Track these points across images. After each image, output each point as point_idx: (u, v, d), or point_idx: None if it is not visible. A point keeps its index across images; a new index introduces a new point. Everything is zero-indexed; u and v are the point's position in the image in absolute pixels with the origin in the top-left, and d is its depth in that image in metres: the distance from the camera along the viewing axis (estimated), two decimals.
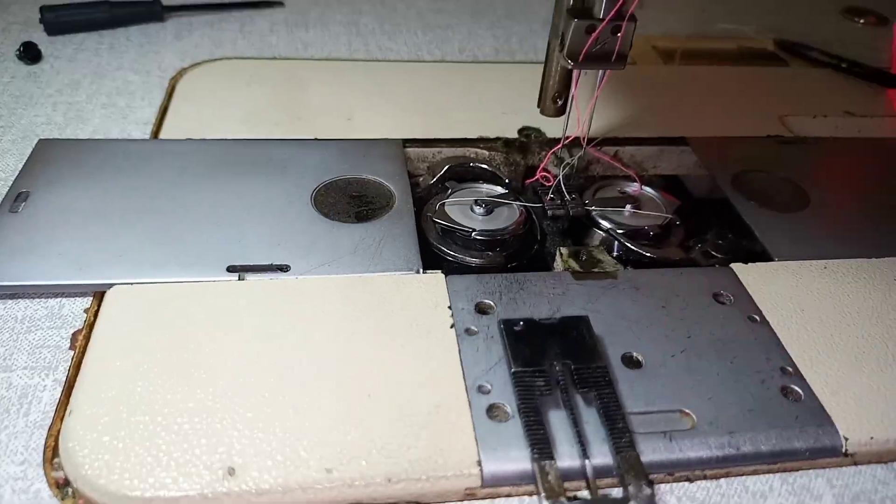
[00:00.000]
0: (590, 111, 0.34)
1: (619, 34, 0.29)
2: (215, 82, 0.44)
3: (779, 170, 0.40)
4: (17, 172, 0.34)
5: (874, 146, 0.43)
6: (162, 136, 0.39)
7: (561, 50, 0.31)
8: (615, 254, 0.35)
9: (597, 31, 0.29)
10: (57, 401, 0.25)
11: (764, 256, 0.34)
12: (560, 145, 0.35)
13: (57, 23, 0.48)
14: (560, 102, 0.35)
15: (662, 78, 0.49)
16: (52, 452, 0.24)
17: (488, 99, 0.44)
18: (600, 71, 0.32)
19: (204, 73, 0.45)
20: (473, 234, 0.34)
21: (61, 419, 0.24)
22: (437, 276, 0.31)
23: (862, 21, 0.62)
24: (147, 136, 0.39)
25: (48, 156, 0.36)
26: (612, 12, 0.28)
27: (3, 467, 0.23)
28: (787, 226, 0.35)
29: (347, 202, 0.35)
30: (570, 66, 0.31)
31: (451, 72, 0.48)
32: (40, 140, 0.37)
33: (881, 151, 0.43)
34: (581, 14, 0.29)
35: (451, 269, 0.33)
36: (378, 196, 0.35)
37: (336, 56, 0.48)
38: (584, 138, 0.35)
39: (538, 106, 0.39)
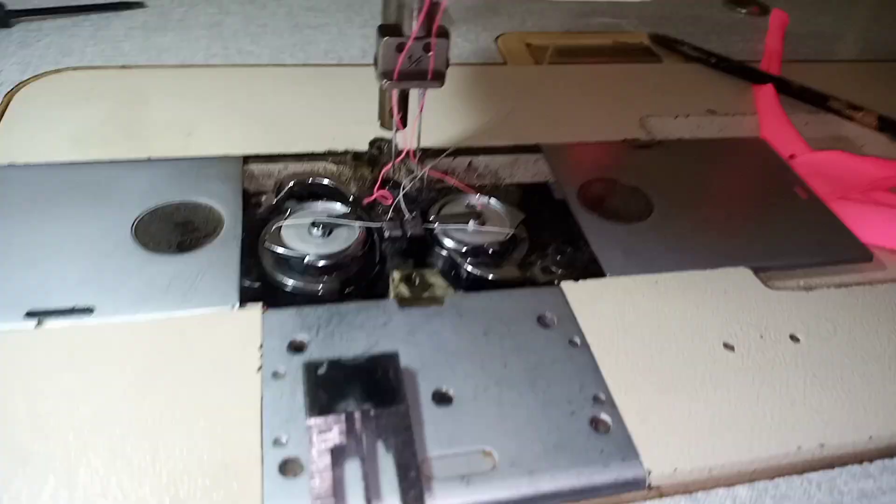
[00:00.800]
0: (416, 127, 0.33)
1: (430, 52, 0.28)
2: (53, 97, 0.42)
3: (628, 177, 0.39)
4: None
5: (729, 146, 0.44)
6: None
7: (376, 69, 0.30)
8: (461, 273, 0.34)
9: (405, 49, 0.28)
10: None
11: (597, 271, 0.34)
12: (391, 163, 0.34)
13: None
14: (395, 117, 0.34)
15: (530, 78, 0.48)
16: None
17: (345, 107, 0.43)
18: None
19: (42, 87, 0.43)
20: (306, 259, 0.33)
21: None
22: (253, 312, 0.30)
23: (744, 11, 0.63)
24: None
25: None
26: (417, 28, 0.27)
27: None
28: (625, 238, 0.35)
29: (171, 230, 0.34)
30: (384, 87, 0.30)
31: (311, 77, 0.46)
32: None
33: (735, 151, 0.43)
34: (391, 32, 0.28)
35: (285, 298, 0.32)
36: (206, 222, 0.34)
37: (190, 62, 0.46)
38: (413, 155, 0.34)
39: (378, 119, 0.38)
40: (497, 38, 0.53)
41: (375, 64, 0.30)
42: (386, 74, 0.29)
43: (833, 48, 0.59)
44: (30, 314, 0.28)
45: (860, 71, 0.54)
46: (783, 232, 0.37)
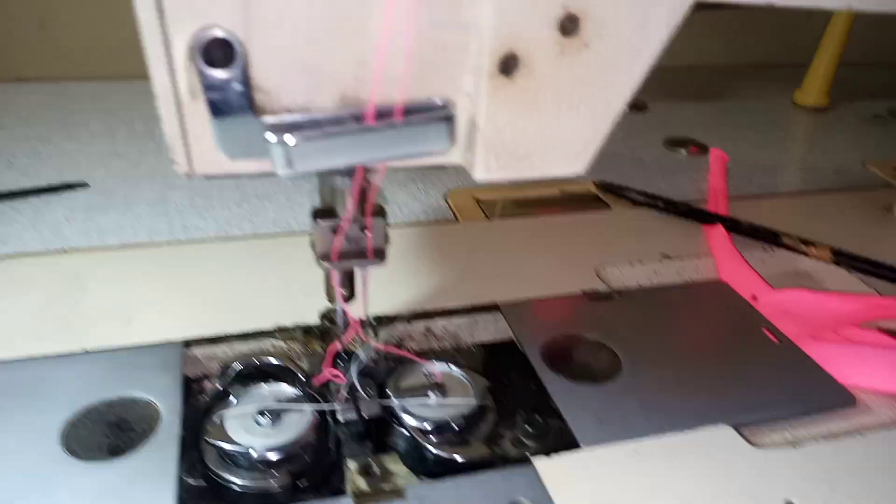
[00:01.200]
0: (364, 303, 0.31)
1: (366, 230, 0.27)
2: None
3: (591, 331, 0.38)
4: None
5: (690, 292, 0.43)
6: None
7: (313, 250, 0.28)
8: (424, 455, 0.31)
9: (340, 232, 0.27)
10: None
11: (571, 441, 0.31)
12: (336, 342, 0.32)
13: None
14: (337, 293, 0.32)
15: (482, 234, 0.48)
16: None
17: (295, 278, 0.41)
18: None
19: None
20: (252, 452, 0.30)
21: None
22: None
23: (684, 151, 0.65)
24: None
25: None
26: (351, 210, 0.26)
27: None
28: (597, 402, 0.33)
29: (104, 432, 0.30)
30: (324, 268, 0.28)
31: (258, 249, 0.45)
32: None
33: (697, 296, 0.43)
34: (324, 214, 0.27)
35: (232, 499, 0.29)
36: (141, 419, 0.31)
37: (133, 242, 0.45)
38: (361, 331, 0.32)
39: (326, 294, 0.36)
40: (445, 195, 0.54)
41: (313, 247, 0.29)
42: (324, 257, 0.28)
43: (773, 181, 0.61)
44: None
45: (803, 203, 0.56)
46: (760, 381, 0.36)
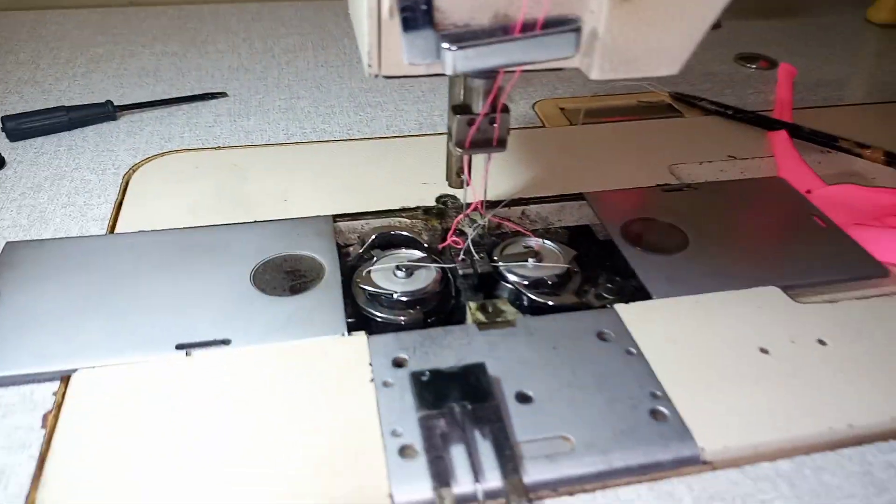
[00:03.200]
0: (483, 184, 0.39)
1: (495, 124, 0.35)
2: (164, 175, 0.49)
3: (663, 216, 0.45)
4: None
5: (751, 186, 0.49)
6: (117, 230, 0.44)
7: (450, 140, 0.36)
8: (523, 302, 0.40)
9: (475, 124, 0.34)
10: (32, 474, 0.29)
11: (645, 295, 0.39)
12: (463, 214, 0.41)
13: (18, 130, 0.53)
14: (462, 177, 0.40)
15: (567, 138, 0.55)
16: None
17: (411, 171, 0.50)
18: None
19: (154, 167, 0.50)
20: (395, 295, 0.39)
21: (36, 489, 0.29)
22: (360, 338, 0.35)
23: (753, 66, 0.70)
24: (104, 232, 0.43)
25: (15, 258, 0.40)
26: (486, 106, 0.34)
27: None
28: (667, 267, 0.41)
29: (283, 277, 0.40)
30: (458, 153, 0.36)
31: (378, 148, 0.53)
32: (7, 243, 0.41)
33: (757, 189, 0.49)
34: (462, 110, 0.35)
35: (378, 328, 0.38)
36: (310, 269, 0.40)
37: (274, 141, 0.54)
38: (482, 207, 0.40)
39: (447, 180, 0.44)
40: (533, 104, 0.60)
41: (449, 135, 0.36)
42: (459, 144, 0.36)
43: (839, 94, 0.65)
44: (179, 346, 0.35)
45: (865, 113, 0.60)
46: (807, 256, 0.43)
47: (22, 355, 0.34)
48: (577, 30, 0.28)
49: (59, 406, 0.32)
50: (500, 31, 0.28)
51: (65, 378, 0.34)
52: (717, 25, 0.79)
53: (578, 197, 0.47)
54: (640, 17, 0.28)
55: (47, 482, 0.29)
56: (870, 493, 0.30)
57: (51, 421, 0.32)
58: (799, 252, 0.43)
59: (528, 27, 0.28)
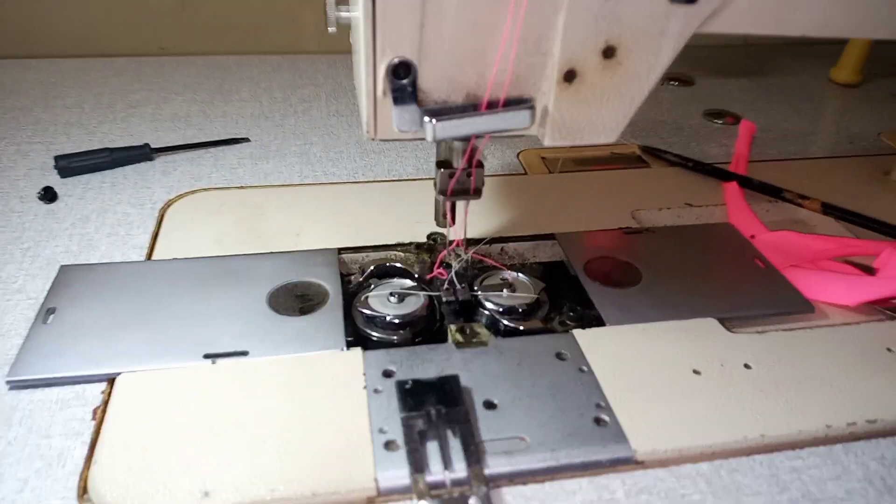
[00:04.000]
0: (464, 225, 0.47)
1: (471, 177, 0.42)
2: (194, 210, 0.57)
3: (622, 255, 0.52)
4: (45, 292, 0.46)
5: (703, 230, 0.56)
6: (154, 257, 0.51)
7: (435, 188, 0.44)
8: (498, 326, 0.47)
9: (455, 177, 0.42)
10: (85, 456, 0.36)
11: (600, 322, 0.46)
12: (447, 250, 0.48)
13: (68, 168, 0.60)
14: (447, 219, 0.48)
15: (545, 185, 0.62)
16: (83, 491, 0.35)
17: (406, 211, 0.57)
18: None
19: (185, 203, 0.58)
20: (388, 318, 0.46)
21: (88, 468, 0.36)
22: (356, 352, 0.42)
23: (720, 122, 0.77)
24: (143, 258, 0.51)
25: (68, 279, 0.48)
26: (464, 162, 0.41)
27: (51, 502, 0.34)
28: (621, 299, 0.48)
29: (293, 300, 0.47)
30: (442, 200, 0.44)
31: (379, 190, 0.61)
32: (61, 266, 0.49)
33: (707, 233, 0.56)
34: (445, 165, 0.42)
35: (372, 345, 0.45)
36: (317, 294, 0.48)
37: (290, 182, 0.62)
38: (462, 244, 0.47)
39: (435, 220, 0.52)
40: (518, 153, 0.68)
41: (435, 185, 0.44)
42: (442, 192, 0.43)
43: (793, 148, 0.72)
44: (206, 356, 0.42)
45: (815, 166, 0.67)
46: (744, 292, 0.49)
47: (75, 360, 0.41)
48: (532, 107, 0.35)
49: (105, 402, 0.39)
50: (471, 107, 0.35)
51: (110, 380, 0.41)
52: (690, 82, 0.86)
53: (550, 237, 0.54)
54: (580, 98, 0.35)
55: (97, 462, 0.36)
56: (773, 492, 0.37)
57: (99, 414, 0.39)
58: (738, 289, 0.50)
59: (492, 104, 0.35)
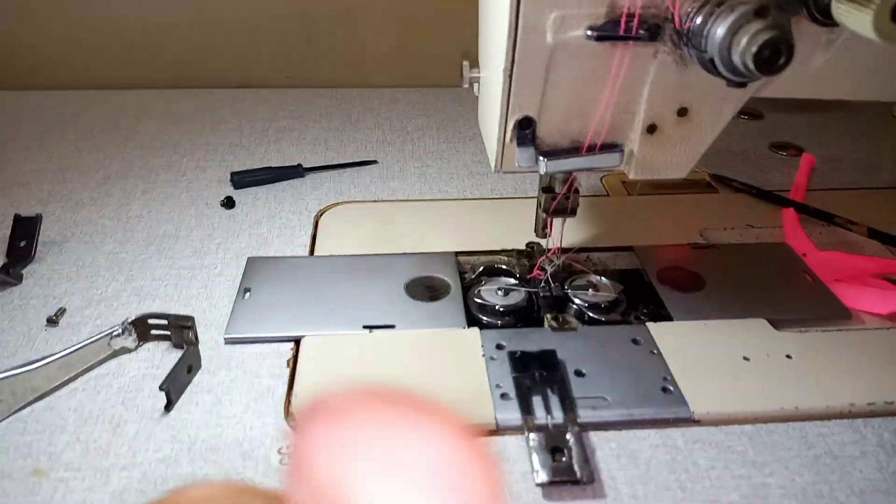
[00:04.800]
0: (560, 236, 0.59)
1: (569, 200, 0.55)
2: (340, 218, 0.72)
3: (690, 266, 0.63)
4: (239, 276, 0.61)
5: (761, 248, 0.67)
6: (315, 253, 0.66)
7: (539, 207, 0.56)
8: (583, 318, 0.59)
9: (556, 200, 0.54)
10: (285, 391, 0.51)
11: (668, 318, 0.57)
12: (544, 256, 0.60)
13: (241, 181, 0.76)
14: (546, 231, 0.60)
15: (625, 205, 0.74)
16: (286, 412, 0.49)
17: (508, 223, 0.70)
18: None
19: (333, 213, 0.73)
20: (496, 307, 0.59)
21: (289, 399, 0.50)
22: (475, 331, 0.55)
23: (784, 153, 0.87)
24: (306, 254, 0.66)
25: (256, 266, 0.63)
26: (565, 189, 0.54)
27: (267, 419, 0.48)
28: (687, 301, 0.59)
29: (424, 290, 0.61)
30: (545, 217, 0.57)
31: (485, 206, 0.74)
32: (249, 258, 0.64)
33: (765, 251, 0.66)
34: (548, 190, 0.55)
35: (484, 326, 0.58)
36: (441, 286, 0.61)
37: (412, 198, 0.76)
38: (557, 252, 0.60)
39: (535, 231, 0.64)
40: (602, 178, 0.80)
41: (539, 204, 0.57)
42: (545, 211, 0.56)
43: (851, 178, 0.81)
44: (365, 326, 0.56)
45: (868, 195, 0.76)
46: (792, 300, 0.59)
47: (270, 326, 0.56)
48: (622, 151, 0.48)
49: (295, 356, 0.54)
50: (575, 150, 0.48)
51: (297, 340, 0.55)
52: (759, 116, 0.96)
53: (629, 249, 0.66)
54: (659, 145, 0.47)
55: (295, 395, 0.50)
56: (802, 448, 0.47)
57: (291, 364, 0.53)
58: (787, 297, 0.60)
59: (591, 148, 0.48)
